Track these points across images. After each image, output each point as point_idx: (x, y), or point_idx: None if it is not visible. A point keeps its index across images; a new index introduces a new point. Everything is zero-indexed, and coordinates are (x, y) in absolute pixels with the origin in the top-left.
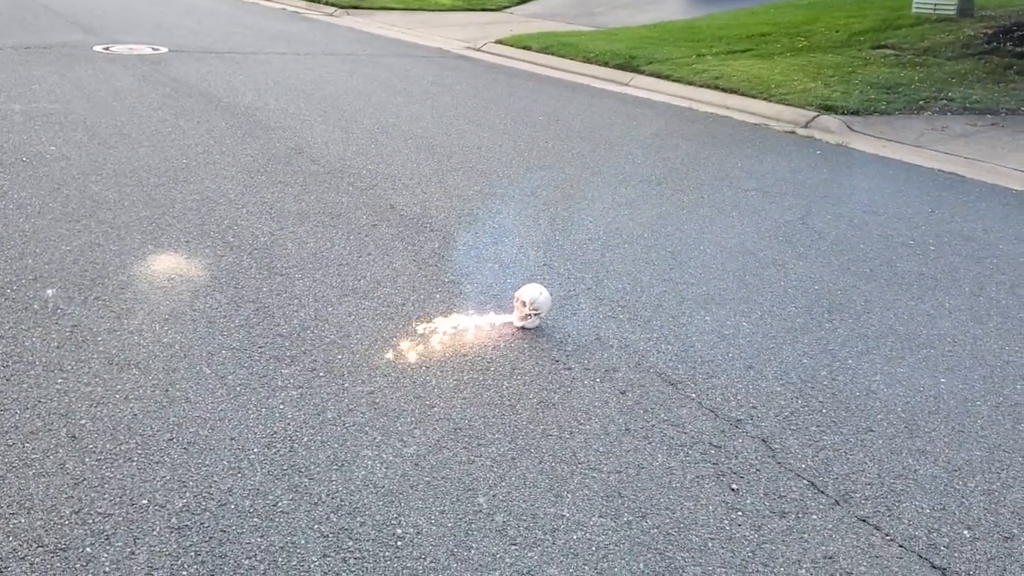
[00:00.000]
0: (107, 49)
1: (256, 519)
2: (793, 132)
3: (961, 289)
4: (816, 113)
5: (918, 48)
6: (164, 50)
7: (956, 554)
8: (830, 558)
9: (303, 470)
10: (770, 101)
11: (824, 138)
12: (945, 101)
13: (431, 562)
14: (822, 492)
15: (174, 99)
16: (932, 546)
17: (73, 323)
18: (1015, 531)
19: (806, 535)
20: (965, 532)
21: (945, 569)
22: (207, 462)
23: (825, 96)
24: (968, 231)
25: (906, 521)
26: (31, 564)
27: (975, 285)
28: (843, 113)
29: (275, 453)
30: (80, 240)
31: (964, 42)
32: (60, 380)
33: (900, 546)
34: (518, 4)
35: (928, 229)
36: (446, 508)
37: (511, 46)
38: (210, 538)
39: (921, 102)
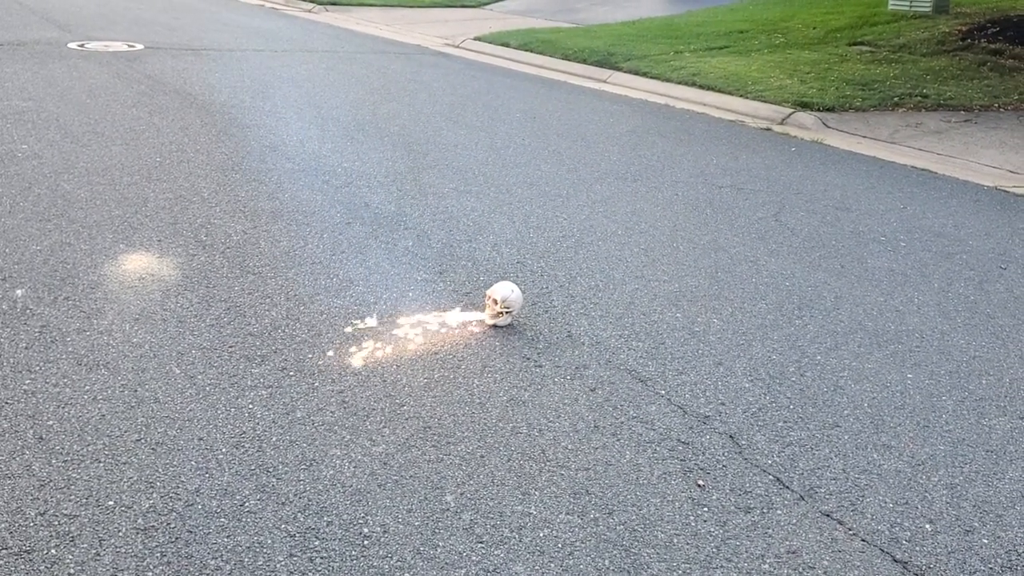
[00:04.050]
0: (82, 46)
1: (223, 519)
2: (769, 129)
3: (930, 285)
4: (792, 110)
5: (894, 45)
6: (140, 47)
7: (918, 548)
8: (793, 552)
9: (271, 470)
10: (747, 98)
11: (799, 135)
12: (920, 98)
13: (397, 561)
14: (787, 487)
15: (149, 97)
16: (894, 540)
17: (42, 323)
18: (976, 524)
19: (770, 530)
20: (927, 526)
21: (906, 563)
22: (175, 462)
23: (801, 93)
24: (938, 227)
25: (869, 515)
26: None
27: (944, 281)
28: (819, 110)
29: (243, 453)
30: (50, 239)
31: (939, 39)
32: (28, 381)
33: (863, 540)
34: (497, 1)
35: (899, 225)
36: (413, 507)
37: (490, 43)
38: (176, 539)
39: (896, 99)
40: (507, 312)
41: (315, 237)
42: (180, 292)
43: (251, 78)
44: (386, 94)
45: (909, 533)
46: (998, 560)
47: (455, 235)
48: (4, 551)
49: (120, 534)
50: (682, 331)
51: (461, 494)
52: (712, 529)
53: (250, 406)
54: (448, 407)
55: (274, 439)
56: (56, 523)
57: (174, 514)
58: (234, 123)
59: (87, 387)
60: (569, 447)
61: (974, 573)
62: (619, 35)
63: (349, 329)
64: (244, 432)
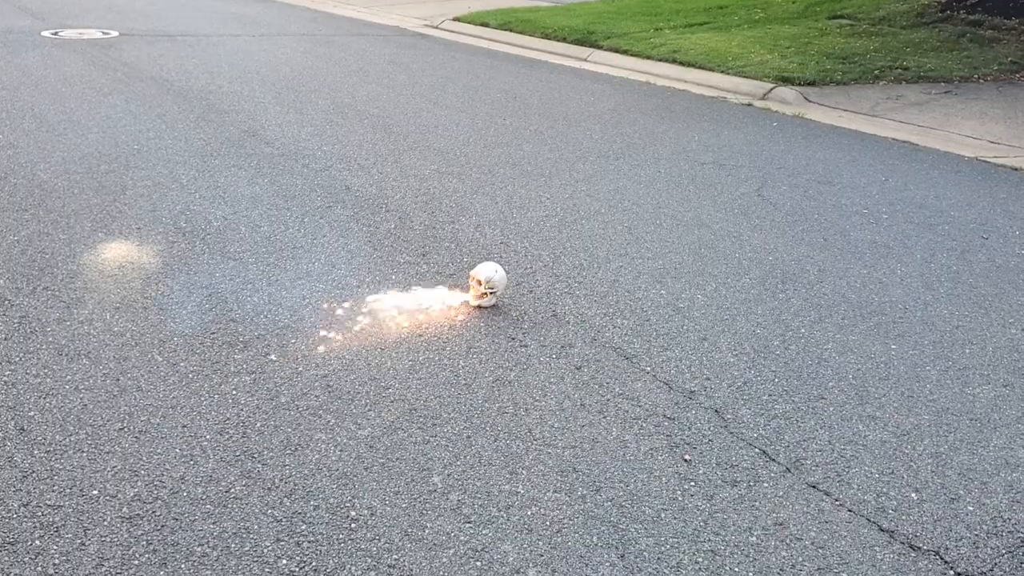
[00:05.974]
0: (56, 34)
1: (208, 506)
2: (750, 104)
3: (913, 256)
4: (773, 85)
5: (873, 18)
6: (115, 34)
7: (904, 517)
8: (780, 525)
9: (256, 455)
10: (727, 74)
11: (781, 109)
12: (900, 70)
13: (385, 543)
14: (773, 460)
15: (125, 84)
16: (880, 509)
17: (21, 314)
18: (961, 492)
19: (757, 503)
20: (912, 495)
21: (893, 532)
22: (159, 450)
23: (782, 68)
24: (920, 199)
25: (855, 486)
26: None
27: (926, 252)
28: (800, 84)
29: (228, 439)
30: (28, 230)
31: (918, 11)
32: (8, 372)
33: (849, 510)
34: None
35: (881, 198)
36: (400, 489)
37: (469, 23)
38: (161, 526)
39: (877, 72)
40: (491, 293)
41: (296, 221)
42: (161, 280)
43: (228, 63)
44: (365, 76)
45: (895, 502)
46: (983, 527)
47: (437, 216)
48: None
49: (105, 523)
50: (666, 307)
51: (448, 475)
52: (699, 503)
53: (234, 392)
54: (433, 389)
55: (258, 425)
56: (40, 514)
57: (159, 502)
58: (212, 109)
59: (68, 377)
60: (555, 425)
61: (960, 540)
62: (599, 13)
63: (332, 313)
64: (228, 418)
